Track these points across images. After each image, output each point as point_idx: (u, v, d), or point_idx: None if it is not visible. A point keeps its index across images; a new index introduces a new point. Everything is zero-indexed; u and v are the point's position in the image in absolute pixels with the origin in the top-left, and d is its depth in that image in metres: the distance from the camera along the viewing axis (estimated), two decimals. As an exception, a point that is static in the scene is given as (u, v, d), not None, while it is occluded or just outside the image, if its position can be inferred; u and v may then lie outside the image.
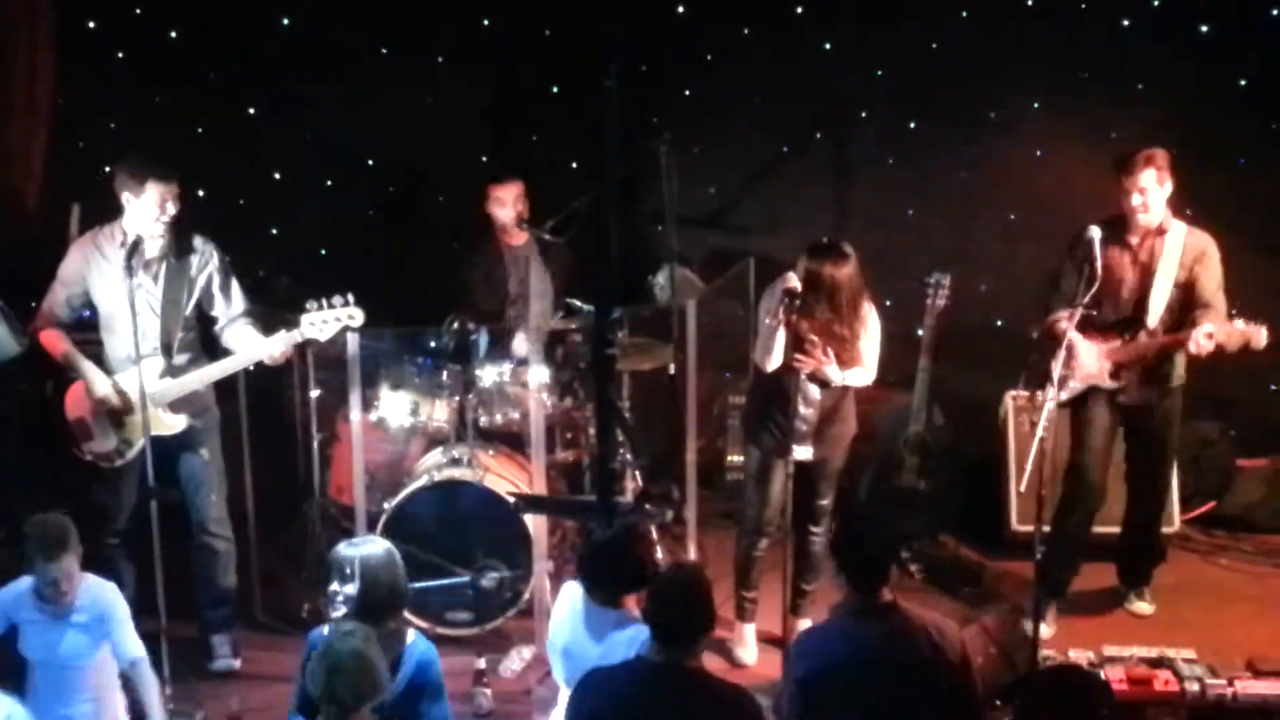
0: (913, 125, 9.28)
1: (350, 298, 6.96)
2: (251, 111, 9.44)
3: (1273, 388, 8.96)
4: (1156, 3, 8.86)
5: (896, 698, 5.11)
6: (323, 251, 9.65)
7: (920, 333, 8.22)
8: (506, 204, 8.23)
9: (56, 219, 8.27)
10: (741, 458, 7.90)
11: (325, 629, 5.46)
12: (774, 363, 6.93)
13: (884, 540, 5.43)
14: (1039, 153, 9.05)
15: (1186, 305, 7.16)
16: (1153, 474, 7.62)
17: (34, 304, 7.17)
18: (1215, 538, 8.63)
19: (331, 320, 6.95)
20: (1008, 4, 9.01)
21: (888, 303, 7.92)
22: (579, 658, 5.47)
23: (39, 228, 8.64)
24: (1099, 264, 6.94)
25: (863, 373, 7.05)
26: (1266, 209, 8.57)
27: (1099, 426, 7.37)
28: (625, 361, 8.06)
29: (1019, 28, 8.91)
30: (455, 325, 7.90)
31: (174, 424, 7.02)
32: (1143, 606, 7.79)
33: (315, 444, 8.07)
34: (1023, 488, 7.01)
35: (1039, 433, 6.77)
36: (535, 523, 7.38)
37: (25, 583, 6.00)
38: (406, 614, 7.32)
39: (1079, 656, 6.88)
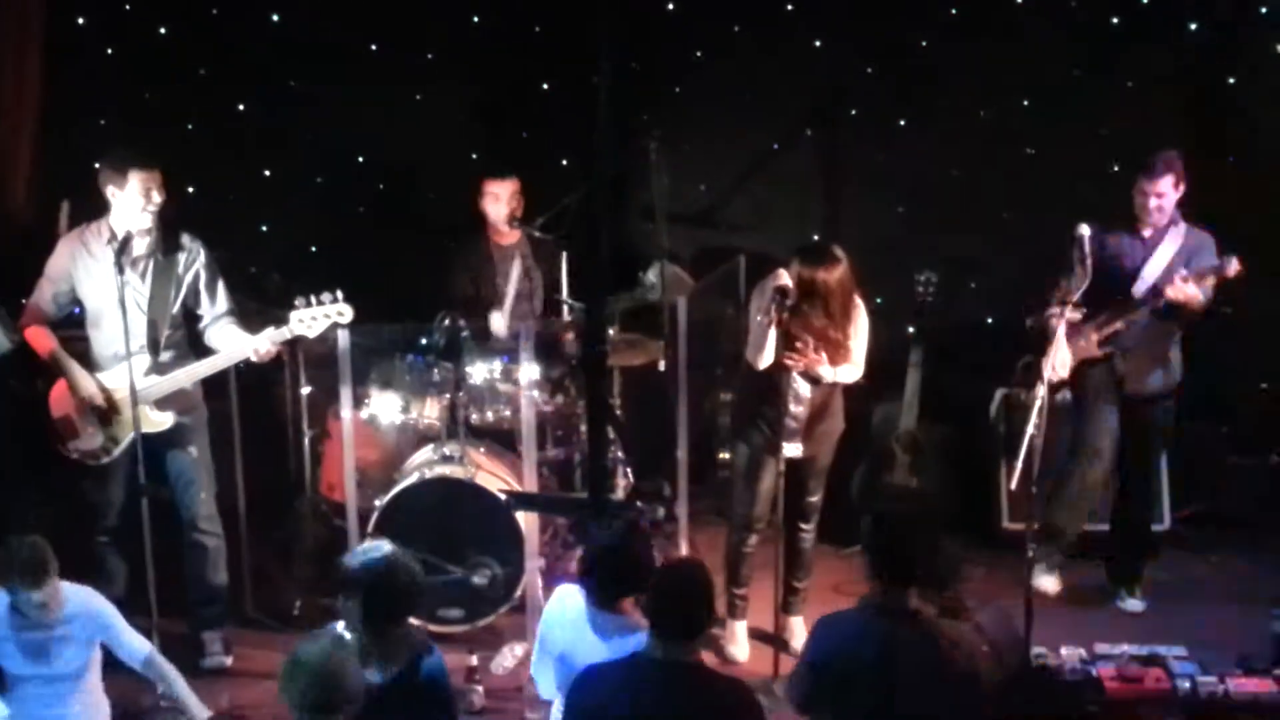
0: (903, 123, 9.29)
1: (339, 295, 6.95)
2: (242, 109, 9.41)
3: (1264, 386, 8.96)
4: (1146, 1, 8.86)
5: (900, 702, 5.11)
6: (313, 249, 9.62)
7: (911, 330, 8.24)
8: (501, 200, 8.22)
9: (46, 216, 8.24)
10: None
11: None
12: (765, 360, 6.94)
13: (919, 544, 5.42)
14: (1029, 151, 9.06)
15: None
16: (1144, 471, 7.65)
17: (24, 301, 7.15)
18: (1207, 535, 8.64)
19: (321, 317, 6.94)
20: (998, 2, 9.02)
21: (878, 300, 7.90)
22: (583, 663, 5.45)
23: (29, 225, 8.61)
24: (1089, 262, 6.97)
25: (852, 369, 7.06)
26: (1256, 207, 8.57)
27: (1099, 417, 7.53)
28: (616, 357, 8.08)
29: (1009, 26, 8.91)
30: (446, 323, 7.89)
31: (161, 422, 7.01)
32: (1134, 604, 7.81)
33: (306, 441, 8.09)
34: (1013, 485, 7.02)
35: (1029, 430, 6.79)
36: (527, 520, 7.37)
37: (1, 600, 5.95)
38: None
39: (1070, 654, 6.88)
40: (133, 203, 6.83)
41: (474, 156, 9.37)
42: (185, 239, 7.10)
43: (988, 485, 8.51)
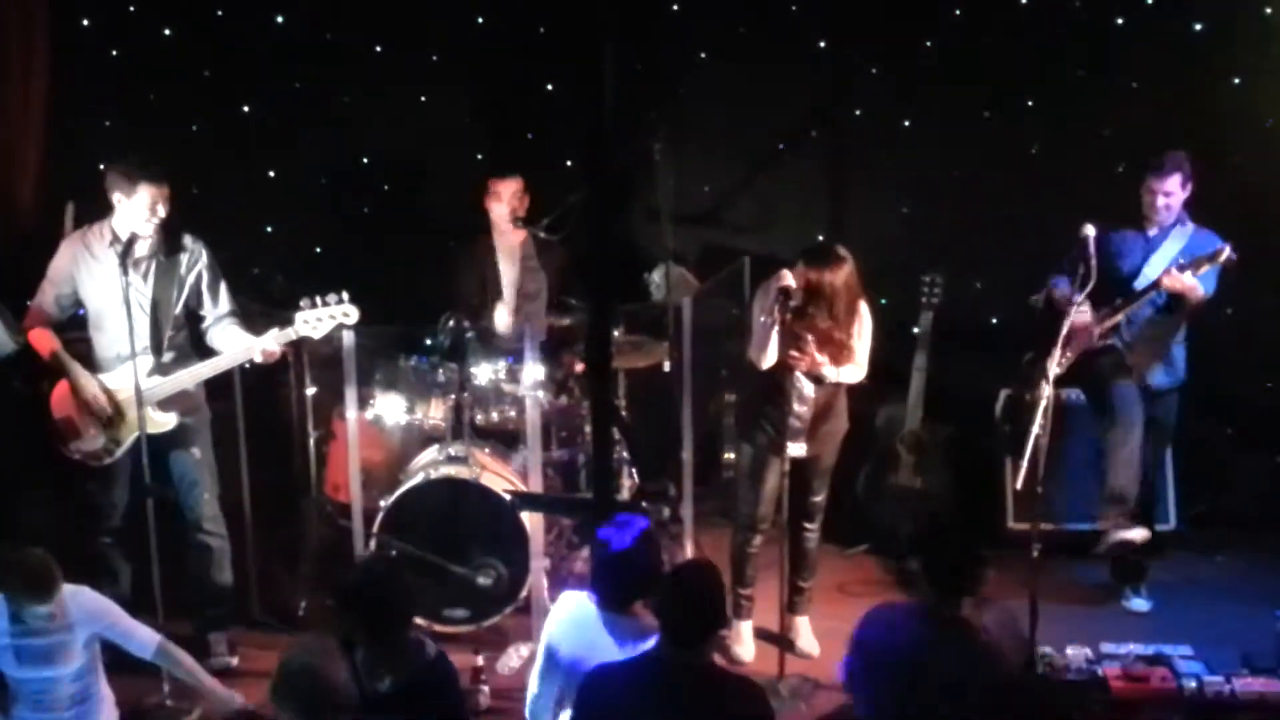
0: (907, 123, 9.28)
1: (345, 295, 6.97)
2: (246, 109, 9.42)
3: (1269, 385, 8.96)
4: (1150, 1, 8.86)
5: (927, 706, 5.12)
6: (317, 249, 9.64)
7: (916, 330, 8.25)
8: (504, 199, 8.22)
9: (51, 217, 8.24)
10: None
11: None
12: (769, 361, 6.94)
13: (974, 554, 5.44)
14: (1033, 151, 9.04)
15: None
16: (1149, 470, 7.65)
17: (29, 303, 7.15)
18: (1212, 534, 8.63)
19: (326, 318, 6.96)
20: (1002, 2, 9.01)
21: (883, 301, 7.93)
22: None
23: (34, 226, 8.62)
24: (1094, 263, 6.96)
25: (855, 369, 7.06)
26: (1260, 207, 8.56)
27: (1123, 381, 7.54)
28: (621, 359, 8.08)
29: (1013, 26, 8.90)
30: (450, 324, 7.89)
31: (164, 422, 7.02)
32: (1140, 603, 7.81)
33: (311, 442, 8.09)
34: (1019, 485, 7.02)
35: (1034, 430, 6.79)
36: (532, 520, 7.37)
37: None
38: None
39: (1076, 654, 6.89)
40: (138, 213, 6.84)
41: (478, 157, 9.37)
42: (187, 240, 7.11)
43: (993, 485, 8.50)
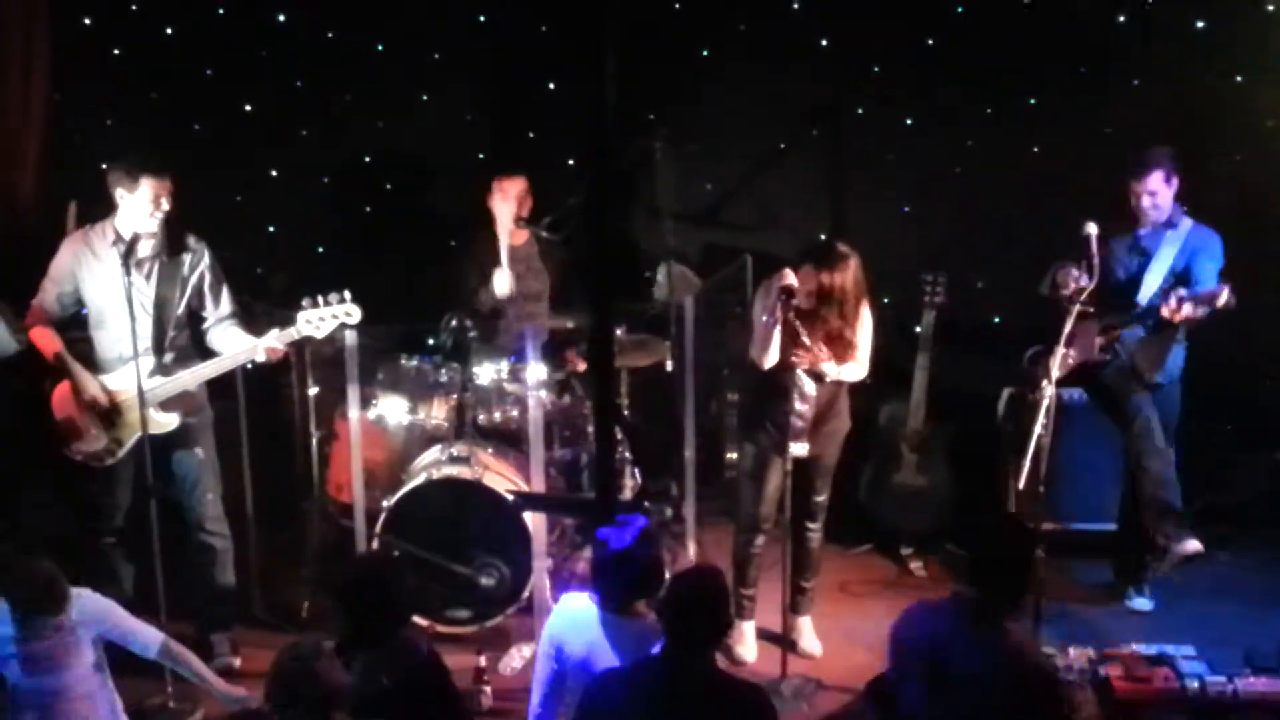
0: (909, 121, 9.28)
1: (347, 295, 6.96)
2: (247, 109, 9.43)
3: (1269, 382, 8.95)
4: (1151, -1, 8.88)
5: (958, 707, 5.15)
6: (319, 249, 9.65)
7: (918, 330, 8.25)
8: (509, 197, 8.22)
9: (53, 216, 8.24)
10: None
11: None
12: (771, 360, 6.93)
13: (1028, 559, 5.46)
14: (1035, 149, 9.05)
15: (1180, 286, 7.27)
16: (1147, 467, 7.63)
17: (32, 302, 7.15)
18: (1215, 532, 8.62)
19: (328, 318, 6.95)
20: (1003, 1, 9.01)
21: (885, 300, 7.93)
22: (602, 667, 5.44)
23: (36, 225, 8.61)
24: (1096, 260, 6.97)
25: (856, 367, 7.05)
26: (1262, 205, 8.56)
27: (1133, 384, 7.51)
28: (623, 358, 8.08)
29: (1015, 23, 8.90)
30: (453, 323, 7.90)
31: (166, 423, 7.01)
32: (1142, 603, 7.81)
33: (314, 442, 8.08)
34: (1021, 484, 7.02)
35: (1037, 429, 6.79)
36: (534, 520, 7.37)
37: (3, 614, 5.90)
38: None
39: (1078, 654, 6.88)
40: (141, 208, 6.84)
41: (480, 156, 9.37)
42: (190, 240, 7.11)
43: (995, 484, 8.50)
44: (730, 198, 9.56)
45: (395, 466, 8.02)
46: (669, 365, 8.37)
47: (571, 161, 9.28)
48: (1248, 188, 8.59)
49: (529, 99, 9.48)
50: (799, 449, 6.99)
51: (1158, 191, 7.33)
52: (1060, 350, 6.89)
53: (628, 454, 8.09)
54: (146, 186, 6.82)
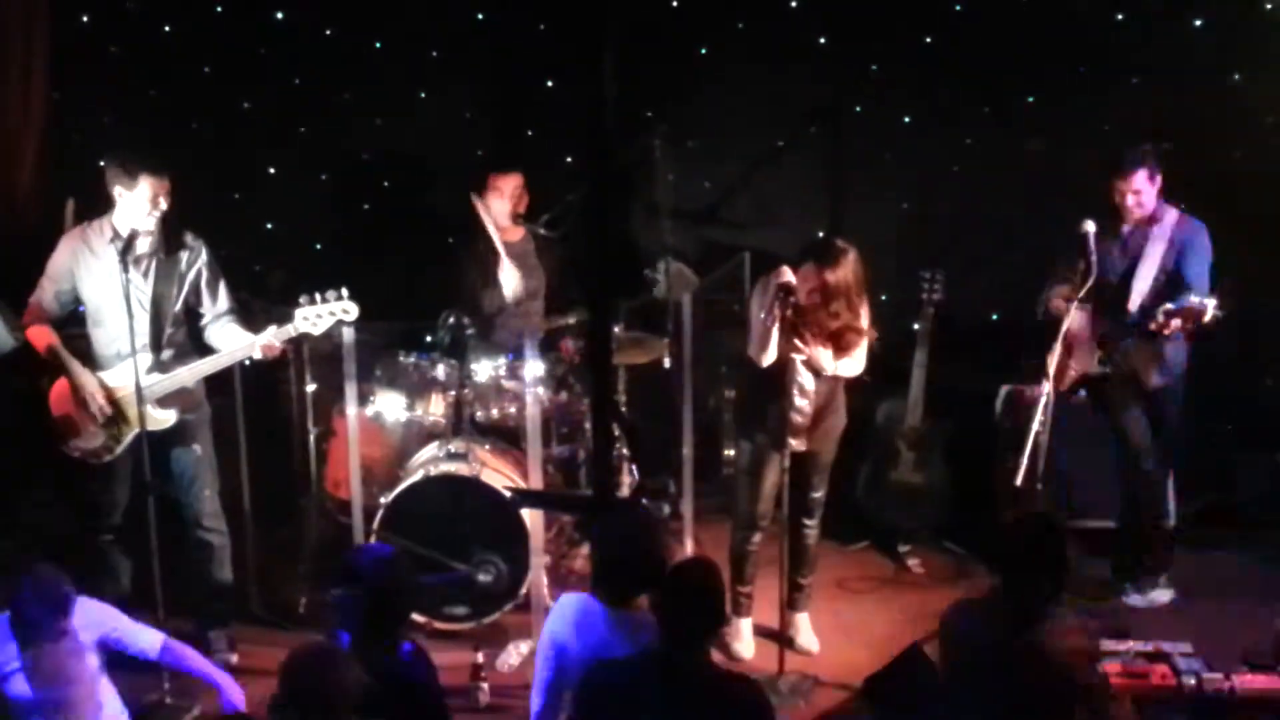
0: (907, 119, 9.28)
1: (344, 292, 6.96)
2: (246, 106, 9.43)
3: (1269, 382, 8.95)
4: (1150, -3, 8.88)
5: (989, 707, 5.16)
6: (318, 247, 9.65)
7: (916, 327, 8.24)
8: (505, 194, 8.22)
9: (51, 214, 8.25)
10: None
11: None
12: (769, 358, 6.92)
13: (1058, 556, 5.47)
14: (1033, 147, 9.04)
15: (1171, 288, 7.25)
16: (1149, 466, 7.63)
17: (29, 300, 7.16)
18: (1213, 531, 8.63)
19: (326, 314, 6.95)
20: (1002, -1, 9.04)
21: (883, 297, 7.92)
22: None
23: (34, 223, 8.62)
24: (1094, 258, 6.97)
25: (853, 363, 7.05)
26: (1262, 205, 8.56)
27: (1120, 409, 7.52)
28: (621, 355, 8.08)
29: (1013, 22, 8.89)
30: (450, 320, 7.90)
31: (164, 419, 7.01)
32: (1139, 600, 7.80)
33: (311, 438, 8.09)
34: (1018, 482, 7.02)
35: (1034, 426, 6.79)
36: (532, 517, 7.37)
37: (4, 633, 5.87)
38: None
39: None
40: (139, 206, 6.84)
41: (478, 154, 9.37)
42: (188, 238, 7.10)
43: (992, 482, 8.49)
44: (729, 196, 9.55)
45: (393, 463, 8.02)
46: (667, 362, 8.37)
47: (571, 160, 9.27)
48: (1247, 186, 8.58)
49: (528, 98, 9.48)
50: (797, 445, 6.99)
51: (1142, 190, 7.30)
52: (1058, 347, 6.89)
53: (625, 451, 8.09)
54: (145, 184, 6.82)
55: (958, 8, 9.03)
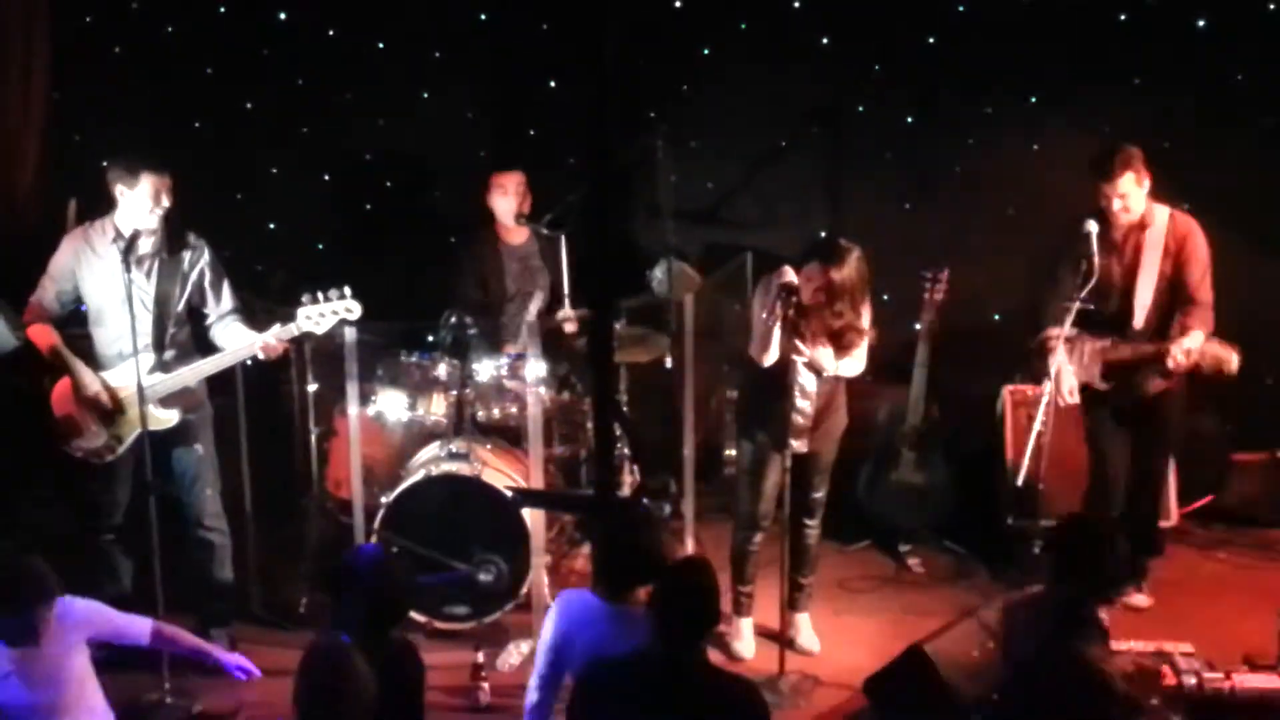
0: (909, 120, 9.29)
1: (347, 291, 6.96)
2: (248, 106, 9.44)
3: (1269, 381, 8.95)
4: (1152, -2, 8.88)
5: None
6: (320, 247, 9.66)
7: (917, 327, 8.24)
8: (509, 192, 8.22)
9: (54, 214, 8.26)
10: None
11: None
12: (771, 358, 6.91)
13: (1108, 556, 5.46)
14: (1035, 147, 9.04)
15: (1173, 295, 7.22)
16: (1150, 467, 7.62)
17: (30, 299, 7.16)
18: (1213, 531, 8.64)
19: (329, 313, 6.95)
20: (1004, -1, 9.04)
21: (885, 297, 7.92)
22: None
23: (36, 223, 8.64)
24: (1096, 259, 6.96)
25: (854, 363, 7.04)
26: (1263, 205, 8.56)
27: (1108, 428, 7.41)
28: (622, 353, 8.08)
29: (1015, 22, 8.90)
30: (452, 320, 7.90)
31: (166, 419, 7.01)
32: (1140, 600, 7.79)
33: (313, 438, 8.09)
34: (1020, 481, 7.02)
35: (1036, 426, 6.79)
36: (533, 517, 7.37)
37: None
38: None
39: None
40: (141, 205, 6.84)
41: (481, 154, 9.38)
42: (190, 237, 7.11)
43: (993, 482, 8.51)
44: (730, 196, 9.56)
45: (394, 463, 8.02)
46: (668, 362, 8.37)
47: (572, 160, 9.28)
48: (1248, 187, 8.58)
49: (529, 98, 9.49)
50: (798, 446, 6.99)
51: (1128, 194, 7.13)
52: (1060, 348, 6.89)
53: (627, 450, 8.09)
54: (146, 183, 6.82)
55: (959, 8, 9.04)
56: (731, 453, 8.71)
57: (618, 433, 8.00)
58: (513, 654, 7.28)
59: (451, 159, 9.40)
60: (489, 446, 7.85)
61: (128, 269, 6.71)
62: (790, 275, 6.82)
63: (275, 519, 8.17)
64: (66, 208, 8.17)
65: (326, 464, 8.22)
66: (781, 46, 9.19)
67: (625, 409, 8.31)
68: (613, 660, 5.18)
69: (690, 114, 9.28)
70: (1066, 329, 6.97)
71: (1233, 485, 8.79)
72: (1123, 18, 8.83)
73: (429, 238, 9.19)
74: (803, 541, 7.36)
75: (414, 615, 7.41)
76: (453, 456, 7.65)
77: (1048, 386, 6.89)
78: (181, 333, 7.12)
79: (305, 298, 6.94)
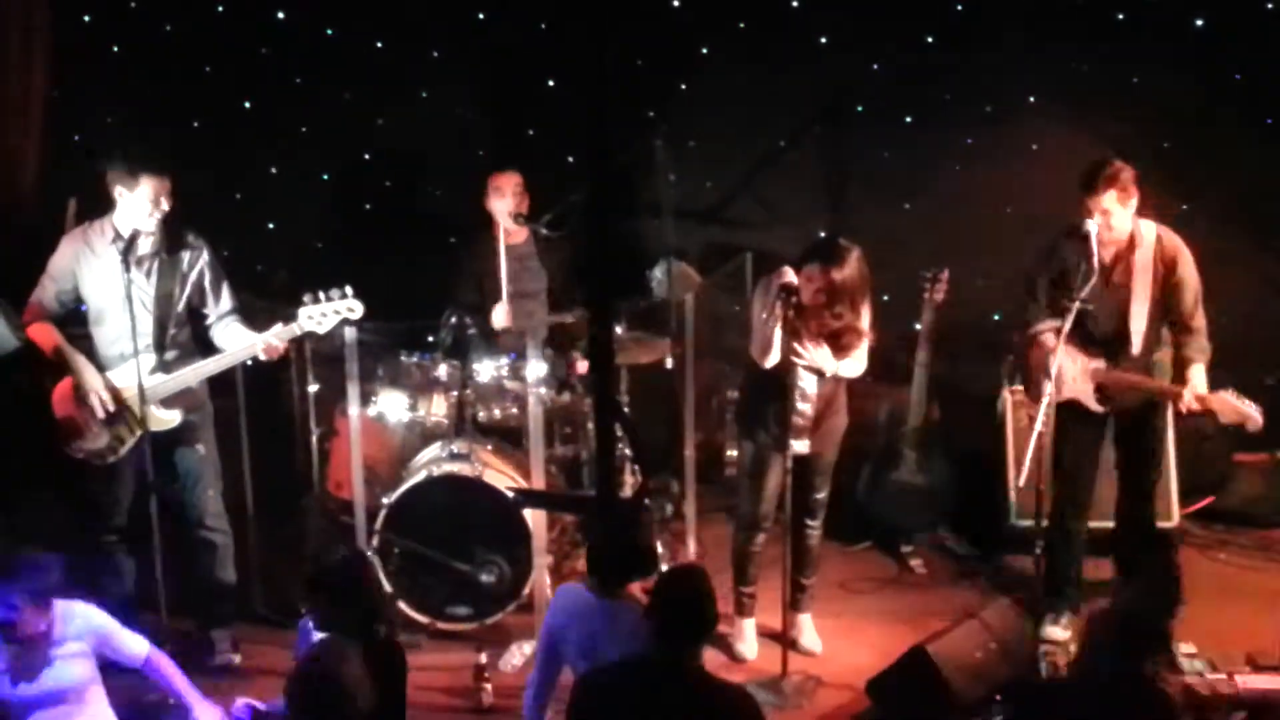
0: (908, 119, 9.29)
1: (349, 290, 6.94)
2: (247, 105, 9.44)
3: (1269, 381, 8.95)
4: (1151, -4, 8.88)
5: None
6: (319, 246, 9.65)
7: (918, 327, 8.24)
8: (506, 194, 8.19)
9: (53, 214, 8.25)
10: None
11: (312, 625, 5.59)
12: (772, 360, 6.90)
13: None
14: (1034, 146, 9.04)
15: (1165, 316, 7.18)
16: (1143, 468, 7.58)
17: (29, 299, 7.15)
18: (1214, 532, 8.64)
19: (330, 313, 6.94)
20: (1002, -2, 9.04)
21: (885, 297, 7.91)
22: (603, 651, 5.49)
23: (36, 223, 8.62)
24: (1095, 261, 6.93)
25: (855, 364, 7.04)
26: (1262, 204, 8.57)
27: (1083, 441, 7.31)
28: (623, 355, 8.08)
29: (1014, 22, 8.90)
30: (453, 320, 7.90)
31: (168, 419, 7.00)
32: (1140, 600, 7.80)
33: (314, 439, 8.10)
34: (1021, 482, 7.02)
35: (1037, 427, 6.79)
36: (535, 517, 7.37)
37: None
38: (407, 609, 7.41)
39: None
40: (140, 207, 6.82)
41: (480, 153, 9.38)
42: (190, 237, 7.10)
43: (994, 483, 8.51)
44: (730, 196, 9.57)
45: (395, 463, 8.02)
46: (669, 363, 8.36)
47: (571, 159, 9.27)
48: (1247, 186, 8.59)
49: (528, 97, 9.48)
50: (799, 446, 6.99)
51: (1111, 211, 6.95)
52: (1060, 349, 6.89)
53: (628, 451, 8.09)
54: (146, 185, 6.80)
55: (958, 7, 9.04)
56: (733, 453, 8.71)
57: (619, 433, 8.00)
58: (515, 655, 7.28)
59: (450, 158, 9.40)
60: (490, 447, 7.84)
61: (127, 269, 6.71)
62: (790, 275, 6.82)
63: (276, 519, 8.17)
64: (66, 208, 8.15)
65: (327, 464, 8.23)
66: (781, 46, 9.18)
67: (627, 410, 8.30)
68: (610, 665, 5.22)
69: (689, 114, 9.28)
70: (1068, 326, 6.93)
71: (1234, 486, 8.80)
72: (1121, 17, 8.83)
73: (428, 237, 9.19)
74: (804, 542, 7.36)
75: (416, 616, 7.43)
76: (454, 457, 7.65)
77: (1048, 387, 6.88)
78: (182, 333, 7.11)
79: (307, 297, 6.93)
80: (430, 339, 8.06)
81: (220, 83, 9.32)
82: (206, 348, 7.17)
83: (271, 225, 9.62)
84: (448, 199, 9.47)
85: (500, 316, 8.15)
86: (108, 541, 7.16)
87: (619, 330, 8.06)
